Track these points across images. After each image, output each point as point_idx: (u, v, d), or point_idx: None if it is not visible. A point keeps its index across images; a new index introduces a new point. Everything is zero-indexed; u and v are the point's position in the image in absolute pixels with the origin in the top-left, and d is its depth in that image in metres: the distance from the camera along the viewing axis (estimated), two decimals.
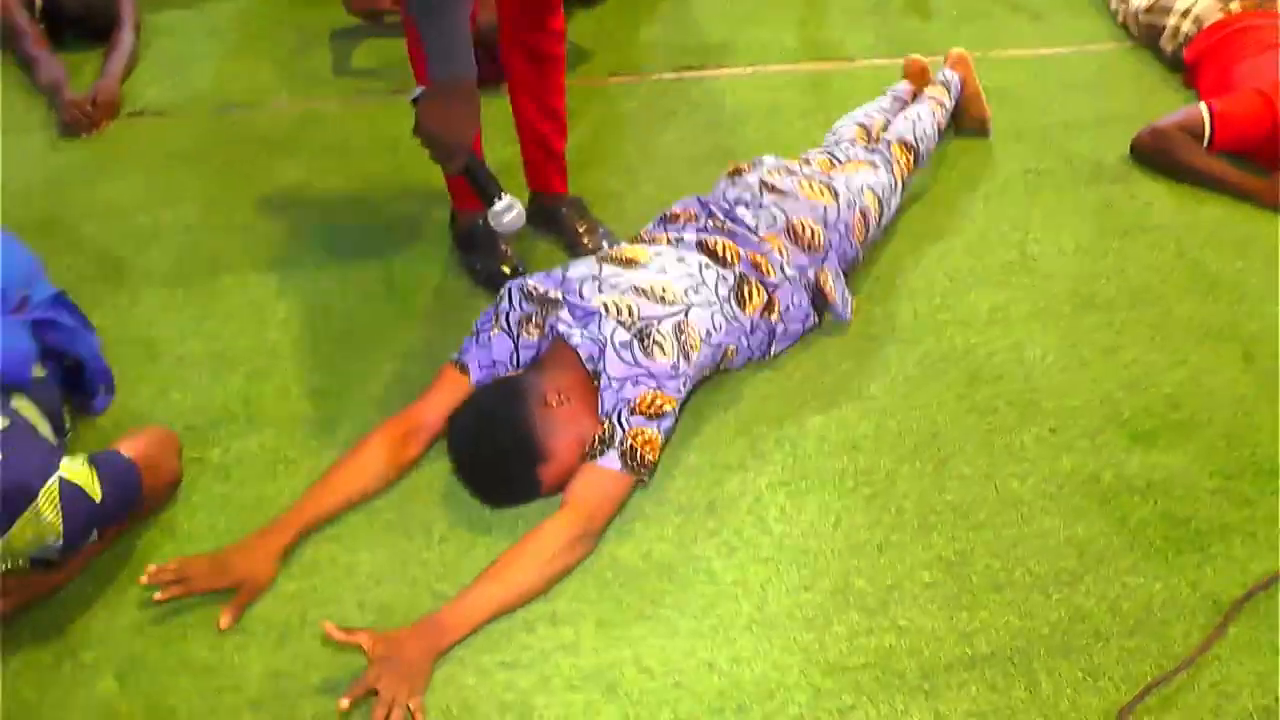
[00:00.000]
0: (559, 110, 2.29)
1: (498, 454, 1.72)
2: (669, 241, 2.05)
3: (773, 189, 2.13)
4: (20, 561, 1.53)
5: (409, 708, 1.46)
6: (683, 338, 1.82)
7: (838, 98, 2.88)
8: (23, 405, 1.66)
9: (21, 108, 2.74)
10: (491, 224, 1.92)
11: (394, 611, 1.63)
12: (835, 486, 1.84)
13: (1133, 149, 2.68)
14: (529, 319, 1.86)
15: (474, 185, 1.91)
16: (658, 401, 1.75)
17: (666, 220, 2.16)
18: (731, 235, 2.06)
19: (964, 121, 2.76)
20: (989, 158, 2.71)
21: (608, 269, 1.92)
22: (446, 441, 1.79)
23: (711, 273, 1.96)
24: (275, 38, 3.25)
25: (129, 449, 1.69)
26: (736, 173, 2.22)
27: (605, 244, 2.29)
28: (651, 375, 1.76)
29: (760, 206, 2.11)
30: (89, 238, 2.37)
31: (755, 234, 2.07)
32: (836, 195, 2.16)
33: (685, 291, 1.89)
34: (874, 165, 2.31)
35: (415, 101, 1.83)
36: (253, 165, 2.61)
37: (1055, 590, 1.66)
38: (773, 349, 2.06)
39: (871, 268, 2.33)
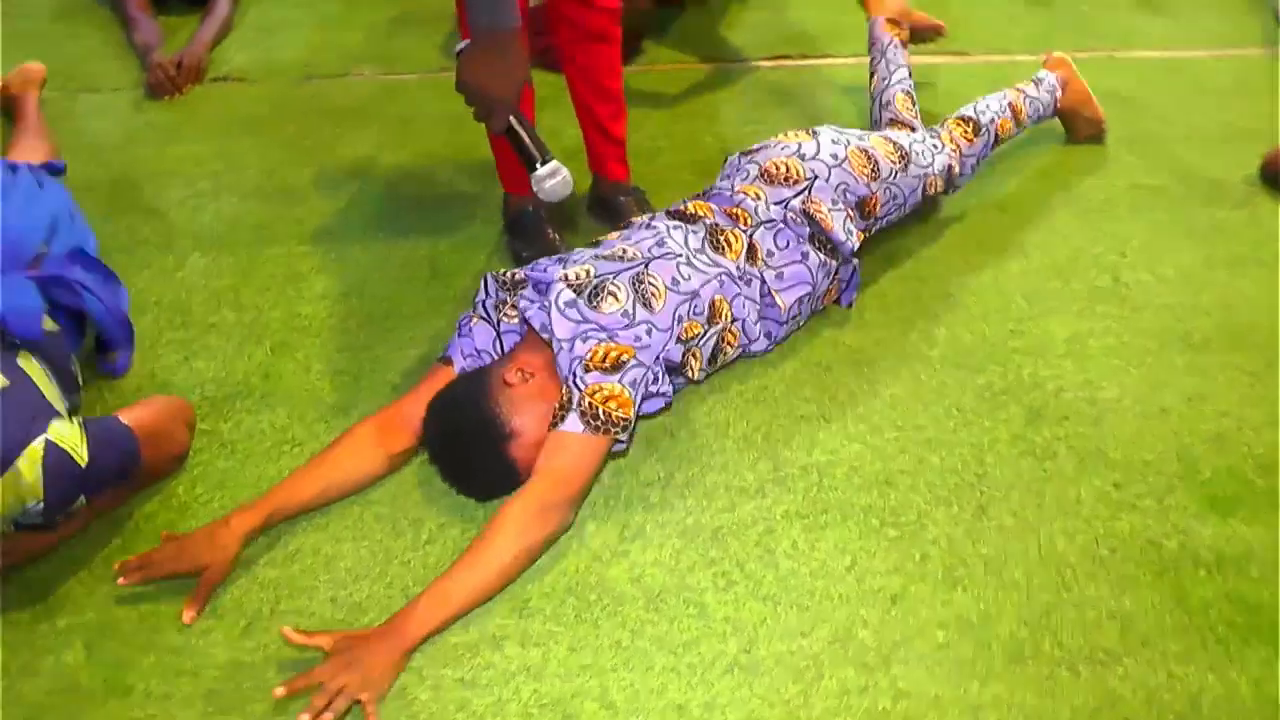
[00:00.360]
0: (614, 91, 2.17)
1: (461, 438, 1.65)
2: (639, 222, 1.97)
3: (748, 152, 2.08)
4: (3, 526, 1.51)
5: (360, 700, 1.39)
6: (641, 287, 1.74)
7: (945, 92, 2.67)
8: (29, 364, 1.65)
9: (116, 66, 2.78)
10: (535, 190, 1.78)
11: (365, 611, 1.55)
12: (858, 524, 1.67)
13: (1262, 169, 2.37)
14: (504, 304, 1.81)
15: (516, 147, 1.77)
16: (612, 353, 1.65)
17: None
18: (705, 197, 2.01)
19: (1077, 129, 2.50)
20: (1094, 168, 2.45)
21: (576, 250, 1.87)
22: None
23: (680, 231, 1.89)
24: (371, 10, 3.22)
25: (134, 416, 1.66)
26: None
27: None
28: (601, 328, 1.68)
29: (737, 170, 2.05)
30: (150, 198, 2.38)
31: (730, 191, 1.99)
32: (815, 135, 2.07)
33: (648, 249, 1.82)
34: (911, 130, 2.27)
35: (459, 55, 1.73)
36: (322, 135, 2.58)
37: (1086, 669, 1.45)
38: (783, 305, 1.90)
39: (941, 283, 2.13)
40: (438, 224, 2.31)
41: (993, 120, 2.29)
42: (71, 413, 1.75)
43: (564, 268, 1.78)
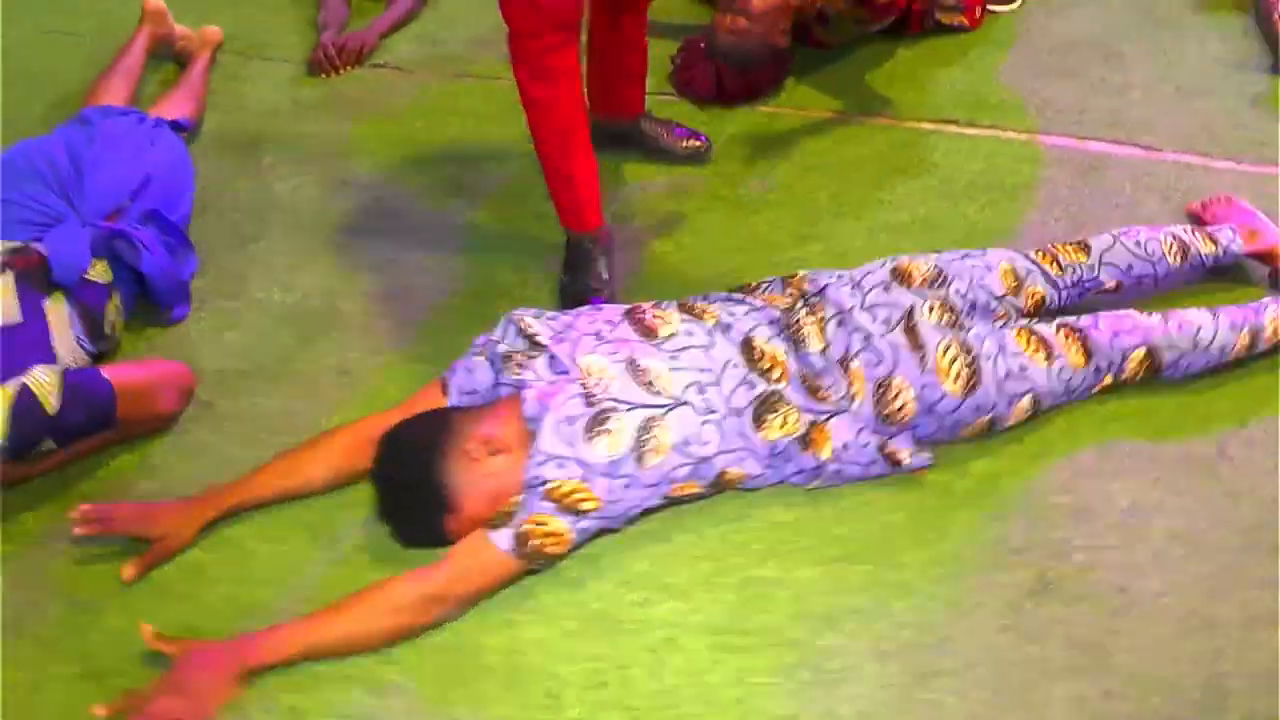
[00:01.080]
0: (645, 45, 2.40)
1: (404, 492, 1.67)
2: (716, 321, 1.80)
3: (911, 330, 1.77)
4: None
5: None
6: (645, 437, 1.63)
7: (1107, 193, 2.39)
8: (56, 305, 1.85)
9: (296, 40, 3.02)
10: None
11: (251, 617, 1.62)
12: (773, 657, 1.56)
13: None
14: (512, 356, 1.76)
15: None
16: (576, 495, 1.60)
17: (753, 289, 1.92)
18: (799, 344, 1.77)
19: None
20: None
21: (621, 330, 1.76)
22: None
23: (735, 374, 1.72)
24: None
25: (123, 374, 1.83)
26: (905, 278, 1.85)
27: (695, 143, 2.51)
28: (582, 464, 1.60)
29: (883, 335, 1.77)
30: (264, 167, 2.58)
31: (839, 362, 1.77)
32: (970, 389, 1.76)
33: (683, 388, 1.68)
34: (1086, 357, 1.83)
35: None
36: (445, 134, 2.69)
37: None
38: (815, 485, 1.78)
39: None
40: (514, 247, 2.34)
41: (1186, 366, 1.89)
42: (97, 358, 1.95)
43: (593, 353, 1.70)
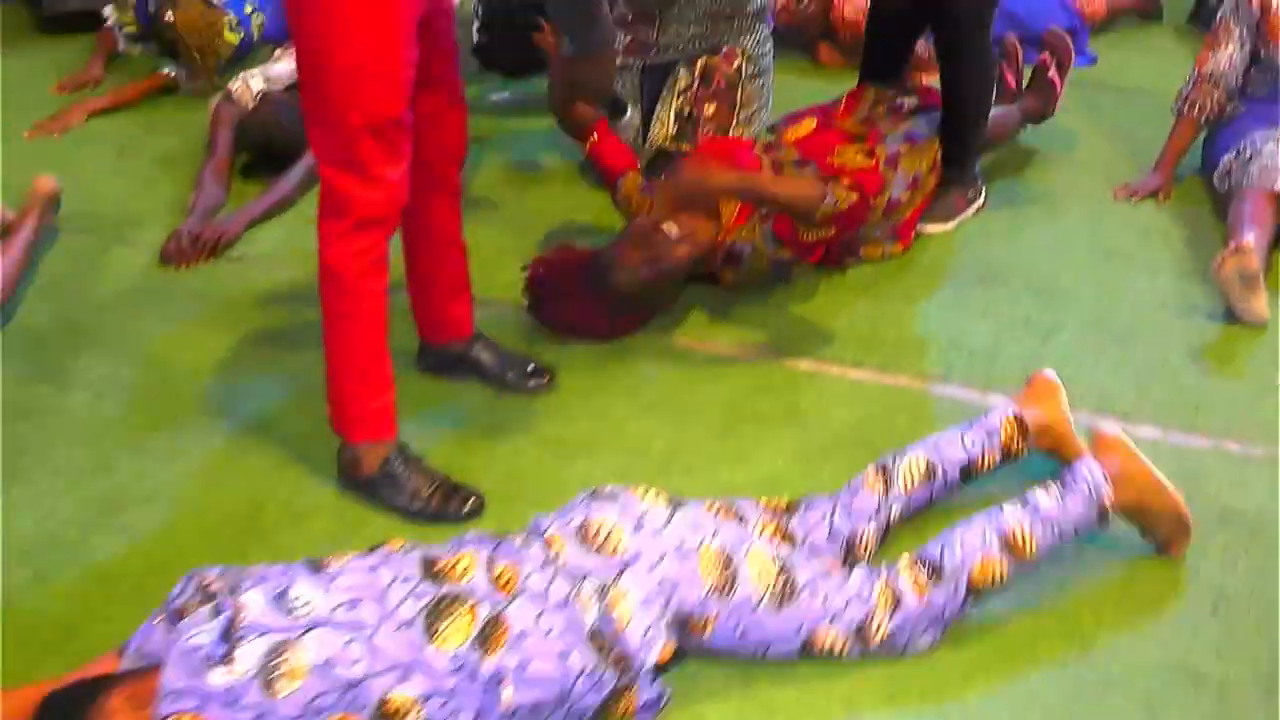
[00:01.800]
0: (457, 236, 2.29)
1: None
2: (399, 547, 1.79)
3: (596, 494, 1.87)
4: None
5: None
6: (275, 660, 1.54)
7: None
8: None
9: (161, 223, 2.96)
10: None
11: None
12: None
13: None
14: (184, 610, 1.68)
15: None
16: None
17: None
18: (495, 547, 1.78)
19: (1156, 531, 1.97)
20: (1137, 617, 1.87)
21: (293, 570, 1.72)
22: None
23: (402, 588, 1.66)
24: None
25: None
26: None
27: (537, 380, 2.40)
28: (197, 693, 1.52)
29: (569, 510, 1.85)
30: (70, 373, 2.49)
31: (537, 533, 1.80)
32: (677, 506, 1.82)
33: (330, 609, 1.59)
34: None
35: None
36: (273, 332, 2.61)
37: None
38: (506, 703, 1.60)
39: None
40: (304, 464, 2.21)
41: (964, 562, 1.79)
42: None
43: (249, 591, 1.63)
